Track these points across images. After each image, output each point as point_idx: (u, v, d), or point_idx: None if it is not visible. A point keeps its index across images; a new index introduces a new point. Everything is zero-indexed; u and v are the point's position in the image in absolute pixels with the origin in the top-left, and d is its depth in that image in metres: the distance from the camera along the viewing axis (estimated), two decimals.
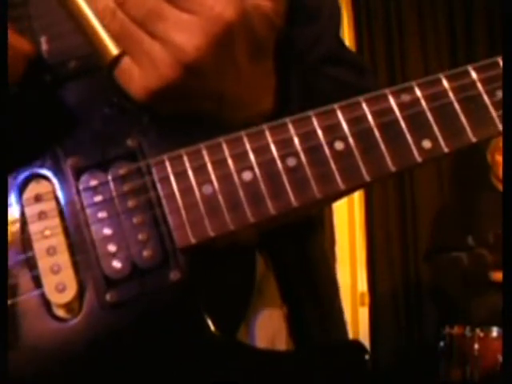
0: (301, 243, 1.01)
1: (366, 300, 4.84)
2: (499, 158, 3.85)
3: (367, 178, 0.80)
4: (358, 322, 4.84)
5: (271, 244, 0.93)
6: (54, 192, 0.80)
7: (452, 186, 4.78)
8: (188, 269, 0.78)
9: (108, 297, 0.77)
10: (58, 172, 0.81)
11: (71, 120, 0.83)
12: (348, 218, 4.94)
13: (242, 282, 0.84)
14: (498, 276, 3.64)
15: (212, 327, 0.78)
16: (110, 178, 0.80)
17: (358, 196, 4.95)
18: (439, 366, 3.70)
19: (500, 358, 3.40)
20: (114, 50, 0.78)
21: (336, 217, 4.83)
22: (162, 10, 0.76)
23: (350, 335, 4.24)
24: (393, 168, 0.80)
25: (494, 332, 3.48)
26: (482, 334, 3.51)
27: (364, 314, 4.84)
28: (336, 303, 1.09)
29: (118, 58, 0.79)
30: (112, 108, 0.83)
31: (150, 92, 0.78)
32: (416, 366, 4.34)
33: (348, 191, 0.81)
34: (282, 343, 0.94)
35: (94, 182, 0.80)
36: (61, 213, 0.80)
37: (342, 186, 0.79)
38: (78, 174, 0.81)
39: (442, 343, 3.68)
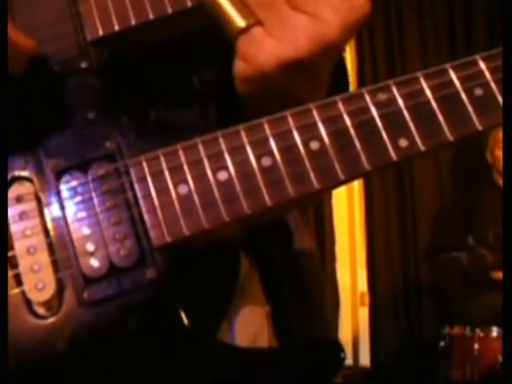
0: (285, 242, 1.01)
1: (366, 300, 4.83)
2: (499, 153, 3.82)
3: (342, 176, 0.80)
4: (357, 321, 4.84)
5: (255, 243, 0.94)
6: (35, 193, 0.82)
7: (452, 186, 4.77)
8: (164, 267, 0.80)
9: (86, 295, 0.79)
10: (40, 173, 0.83)
11: (53, 122, 0.85)
12: (348, 217, 4.94)
13: (224, 279, 0.85)
14: (498, 275, 3.63)
15: (187, 324, 0.79)
16: (89, 178, 0.82)
17: (358, 196, 4.95)
18: (439, 365, 3.68)
19: (500, 358, 3.39)
20: (243, 20, 0.81)
21: (336, 217, 4.83)
22: None
23: (350, 335, 4.21)
24: (368, 167, 0.81)
25: (494, 332, 3.47)
26: (482, 334, 3.50)
27: (364, 313, 4.83)
28: (322, 301, 1.10)
29: (247, 28, 0.81)
30: (93, 110, 0.84)
31: (281, 61, 0.80)
32: (416, 365, 4.33)
33: (324, 190, 0.82)
34: (263, 341, 0.94)
35: (74, 183, 0.82)
36: (41, 213, 0.81)
37: (316, 185, 0.80)
38: (58, 175, 0.82)
39: (442, 343, 3.66)
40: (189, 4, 0.85)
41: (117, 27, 0.86)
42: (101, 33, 0.86)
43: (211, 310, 0.84)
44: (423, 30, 5.04)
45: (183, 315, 0.79)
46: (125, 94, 0.88)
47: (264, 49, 0.81)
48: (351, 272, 4.86)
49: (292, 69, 0.81)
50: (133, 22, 0.86)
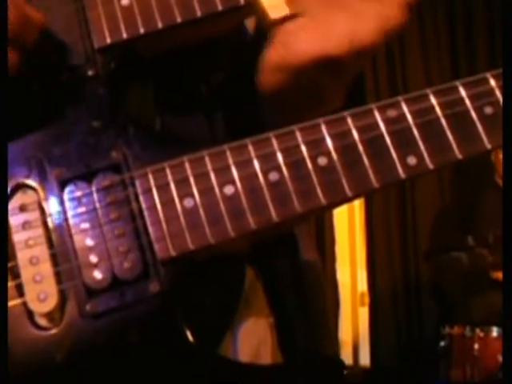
0: (290, 252, 1.01)
1: (366, 300, 4.83)
2: (501, 156, 3.82)
3: (349, 193, 0.80)
4: (358, 321, 4.84)
5: (260, 253, 0.93)
6: (38, 202, 0.81)
7: (452, 186, 4.76)
8: (168, 281, 0.79)
9: (88, 307, 0.78)
10: (44, 182, 0.82)
11: (58, 130, 0.84)
12: (348, 217, 4.94)
13: (229, 292, 0.84)
14: (497, 275, 3.63)
15: (191, 339, 0.78)
16: (93, 189, 0.81)
17: None
18: (439, 365, 3.68)
19: (500, 358, 3.39)
20: (286, 9, 0.82)
21: (336, 217, 4.83)
22: None
23: (350, 335, 4.20)
24: (376, 184, 0.80)
25: (494, 332, 3.47)
26: (481, 334, 3.50)
27: (364, 313, 4.83)
28: (325, 313, 1.09)
29: (290, 17, 0.82)
30: (98, 119, 0.83)
31: (319, 53, 0.82)
32: (416, 365, 4.33)
33: (331, 206, 0.81)
34: (267, 352, 0.94)
35: (78, 193, 0.81)
36: (45, 223, 0.81)
37: (323, 201, 0.79)
38: (62, 184, 0.81)
39: (442, 343, 3.66)
40: (198, 14, 0.84)
41: (125, 35, 0.85)
42: (108, 41, 0.85)
43: (215, 324, 0.83)
44: (424, 39, 5.01)
45: (187, 330, 0.78)
46: (131, 102, 0.87)
47: (304, 39, 0.82)
48: (351, 272, 4.86)
49: (324, 64, 0.82)
50: (141, 30, 0.85)
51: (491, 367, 3.43)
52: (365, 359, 4.79)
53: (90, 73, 0.85)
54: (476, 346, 3.49)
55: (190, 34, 0.88)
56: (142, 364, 0.78)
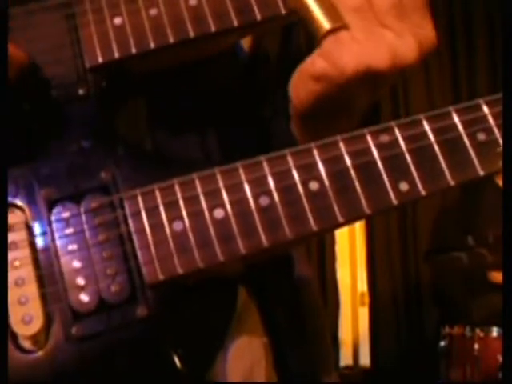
0: (285, 271, 1.00)
1: (366, 300, 4.81)
2: None
3: (341, 219, 0.79)
4: (357, 321, 4.83)
5: (253, 272, 0.92)
6: (26, 222, 0.80)
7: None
8: (156, 305, 0.78)
9: (74, 330, 0.77)
10: (31, 202, 0.81)
11: (47, 149, 0.83)
12: None
13: (220, 315, 0.84)
14: (496, 277, 3.63)
15: (178, 364, 0.77)
16: (82, 210, 0.80)
17: None
18: (439, 365, 3.68)
19: (500, 358, 3.38)
20: (332, 21, 0.83)
21: None
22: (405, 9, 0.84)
23: (350, 335, 4.19)
24: (368, 210, 0.79)
25: (494, 332, 3.45)
26: (482, 334, 3.48)
27: (364, 314, 4.82)
28: (322, 333, 1.09)
29: (335, 30, 0.82)
30: (88, 139, 0.83)
31: (362, 67, 0.82)
32: (416, 365, 4.32)
33: (322, 231, 0.80)
34: (260, 373, 0.93)
35: (65, 214, 0.80)
36: (32, 243, 0.80)
37: (314, 227, 0.78)
38: (50, 205, 0.81)
39: (442, 343, 3.65)
40: (191, 34, 0.84)
41: (117, 55, 0.84)
42: (100, 60, 0.84)
43: (204, 348, 0.82)
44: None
45: (175, 356, 0.77)
46: (122, 122, 0.86)
47: (349, 52, 0.82)
48: (351, 272, 4.85)
49: (365, 78, 0.82)
50: (133, 50, 0.84)
51: (491, 367, 3.42)
52: (365, 359, 4.79)
53: (80, 92, 0.84)
54: (476, 346, 3.47)
55: (184, 53, 0.87)
56: None
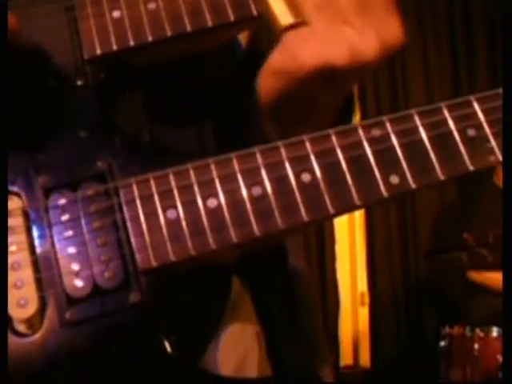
0: (279, 262, 1.01)
1: (366, 300, 4.82)
2: None
3: (332, 211, 0.80)
4: (357, 321, 4.83)
5: (247, 262, 0.93)
6: (23, 208, 0.82)
7: (452, 186, 4.74)
8: (149, 291, 0.80)
9: (68, 315, 0.79)
10: (29, 189, 0.82)
11: (45, 138, 0.84)
12: (348, 217, 4.93)
13: (213, 303, 0.85)
14: (474, 276, 3.64)
15: (169, 350, 0.79)
16: (78, 197, 0.82)
17: None
18: (439, 365, 3.69)
19: (500, 358, 3.39)
20: (293, 17, 0.84)
21: None
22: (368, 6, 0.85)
23: (350, 335, 4.19)
24: (358, 202, 0.80)
25: (494, 332, 3.47)
26: (482, 334, 3.50)
27: (364, 313, 4.83)
28: (315, 324, 1.09)
29: (296, 25, 0.84)
30: (85, 129, 0.84)
31: (321, 63, 0.83)
32: (416, 365, 4.33)
33: (313, 222, 0.82)
34: (253, 362, 0.94)
35: (62, 201, 0.82)
36: (28, 229, 0.81)
37: (305, 217, 0.80)
38: (47, 192, 0.82)
39: (442, 343, 3.67)
40: (188, 28, 0.85)
41: (115, 47, 0.85)
42: (99, 52, 0.85)
43: (197, 335, 0.83)
44: (425, 53, 4.99)
45: (166, 342, 0.79)
46: (120, 113, 0.88)
47: (308, 47, 0.83)
48: (351, 272, 4.86)
49: (324, 74, 0.83)
50: (131, 42, 0.85)
51: (491, 367, 3.43)
52: (365, 359, 4.80)
53: (79, 82, 0.86)
54: (476, 346, 3.49)
55: (182, 47, 0.89)
56: (121, 374, 0.79)
